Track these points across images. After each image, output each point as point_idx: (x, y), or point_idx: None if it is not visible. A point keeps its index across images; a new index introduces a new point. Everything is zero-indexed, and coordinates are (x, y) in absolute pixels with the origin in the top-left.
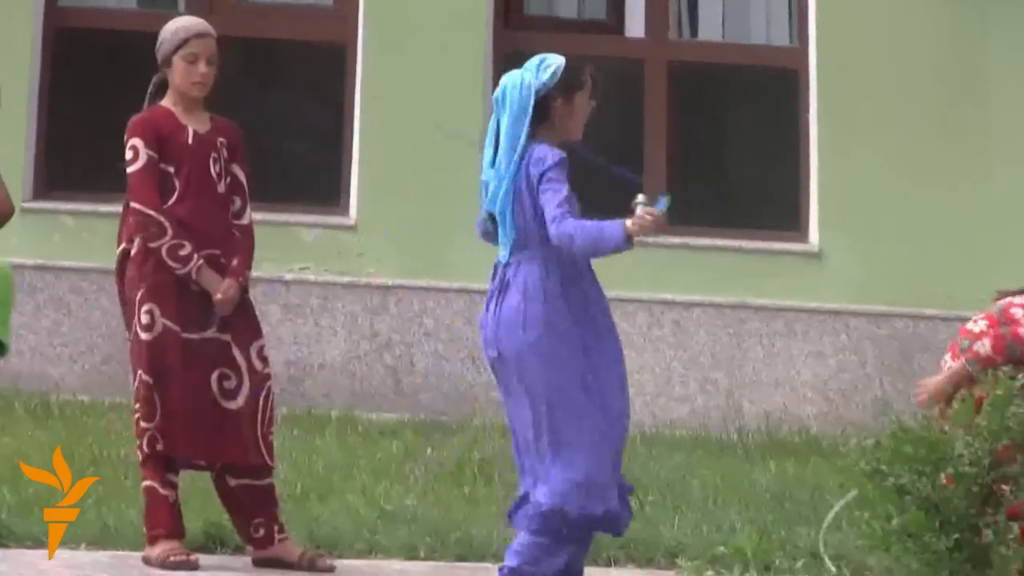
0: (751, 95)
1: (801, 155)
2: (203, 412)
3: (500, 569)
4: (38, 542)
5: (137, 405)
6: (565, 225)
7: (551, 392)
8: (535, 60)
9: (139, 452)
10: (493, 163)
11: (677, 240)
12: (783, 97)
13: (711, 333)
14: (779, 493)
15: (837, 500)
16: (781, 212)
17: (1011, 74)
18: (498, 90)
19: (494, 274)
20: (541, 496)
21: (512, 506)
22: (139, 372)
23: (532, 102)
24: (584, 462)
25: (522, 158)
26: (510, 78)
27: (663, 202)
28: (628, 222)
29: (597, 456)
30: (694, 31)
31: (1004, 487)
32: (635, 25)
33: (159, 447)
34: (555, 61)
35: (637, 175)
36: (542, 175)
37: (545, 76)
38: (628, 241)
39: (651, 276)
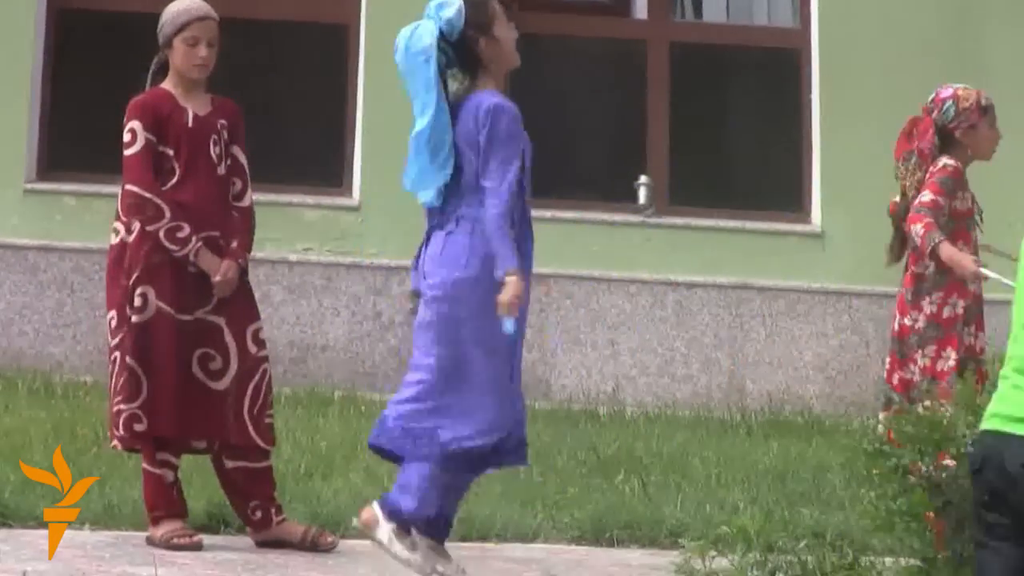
0: (753, 76)
1: (803, 136)
2: (186, 391)
3: (383, 502)
4: (40, 522)
5: (118, 388)
6: (494, 214)
7: (474, 332)
8: (431, 4)
9: (112, 435)
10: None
11: (679, 221)
12: (785, 78)
13: (713, 314)
14: (781, 473)
15: (839, 479)
16: (783, 193)
17: (1011, 54)
18: (399, 50)
19: (431, 215)
20: (448, 434)
21: (385, 424)
22: (124, 356)
23: (434, 40)
24: (492, 405)
25: (445, 100)
26: (404, 31)
27: (509, 325)
28: (509, 277)
29: (504, 401)
30: (696, 12)
31: None
32: (638, 6)
33: (139, 427)
34: (458, 14)
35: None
36: (488, 124)
37: (449, 13)
38: (508, 275)
39: (654, 257)
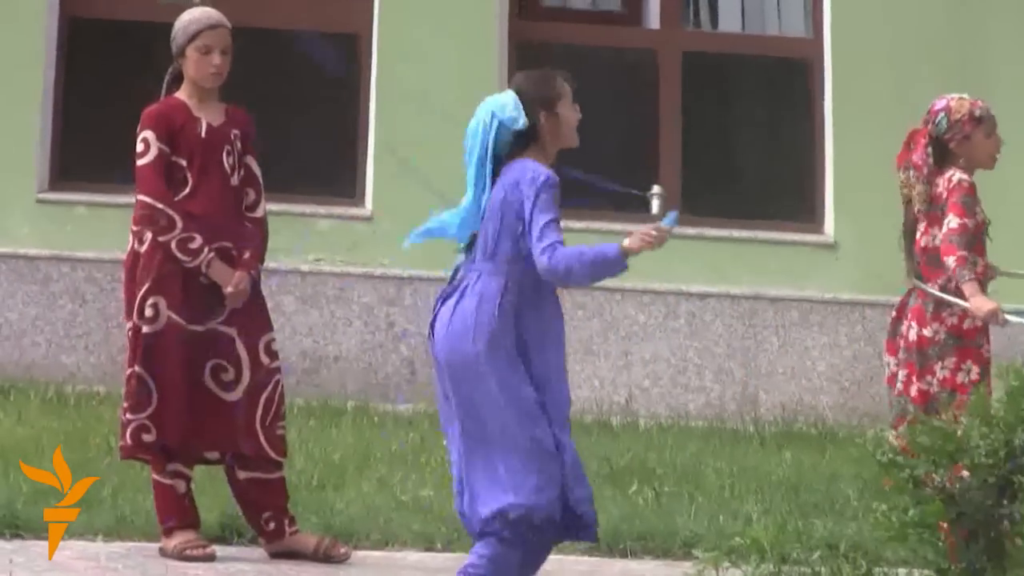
0: (765, 86)
1: (816, 146)
2: (197, 402)
3: None
4: None
5: (126, 398)
6: (558, 256)
7: (484, 406)
8: (491, 105)
9: (121, 445)
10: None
11: (692, 231)
12: (798, 88)
13: (726, 324)
14: (795, 484)
15: (853, 490)
16: (796, 203)
17: (1022, 62)
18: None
19: (453, 275)
20: (497, 505)
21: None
22: (133, 365)
23: (492, 136)
24: (525, 469)
25: (495, 173)
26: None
27: (671, 219)
28: (626, 241)
29: (532, 462)
30: (708, 21)
31: (1021, 478)
32: (650, 15)
33: (147, 438)
34: (509, 98)
35: (629, 187)
36: (535, 194)
37: (507, 113)
38: (625, 260)
39: (666, 267)
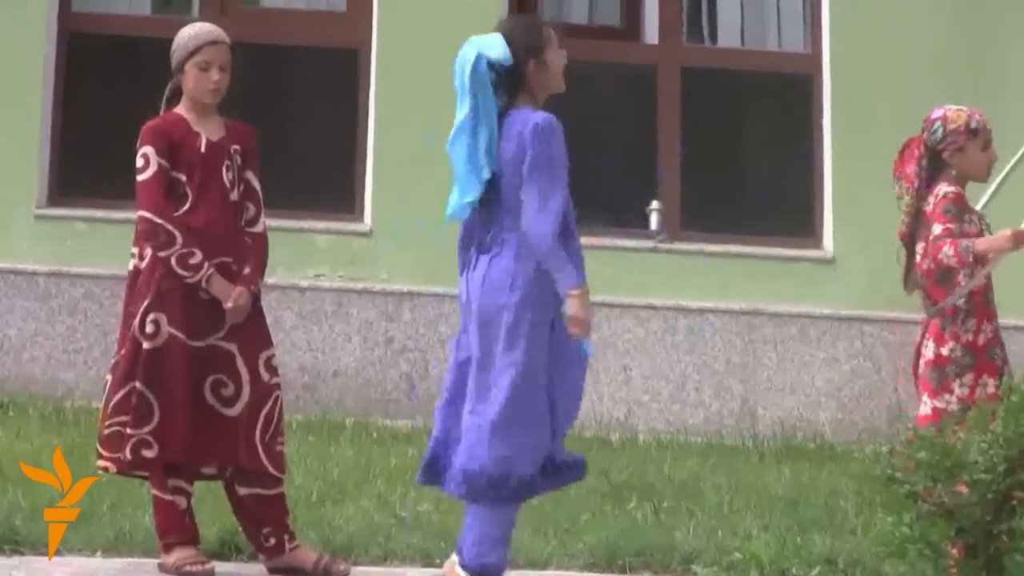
0: (764, 101)
1: (815, 161)
2: (197, 418)
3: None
4: None
5: (125, 413)
6: (544, 239)
7: (519, 358)
8: (474, 45)
9: (118, 458)
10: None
11: (691, 246)
12: (796, 103)
13: (725, 339)
14: (794, 499)
15: (852, 506)
16: (795, 218)
17: None
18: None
19: (470, 237)
20: (474, 462)
21: (429, 464)
22: (132, 380)
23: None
24: (527, 434)
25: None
26: (458, 59)
27: (587, 349)
28: (575, 292)
29: (540, 431)
30: (707, 37)
31: (1020, 494)
32: (649, 30)
33: (148, 453)
34: (497, 39)
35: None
36: (535, 144)
37: (495, 54)
38: (572, 290)
39: (665, 282)
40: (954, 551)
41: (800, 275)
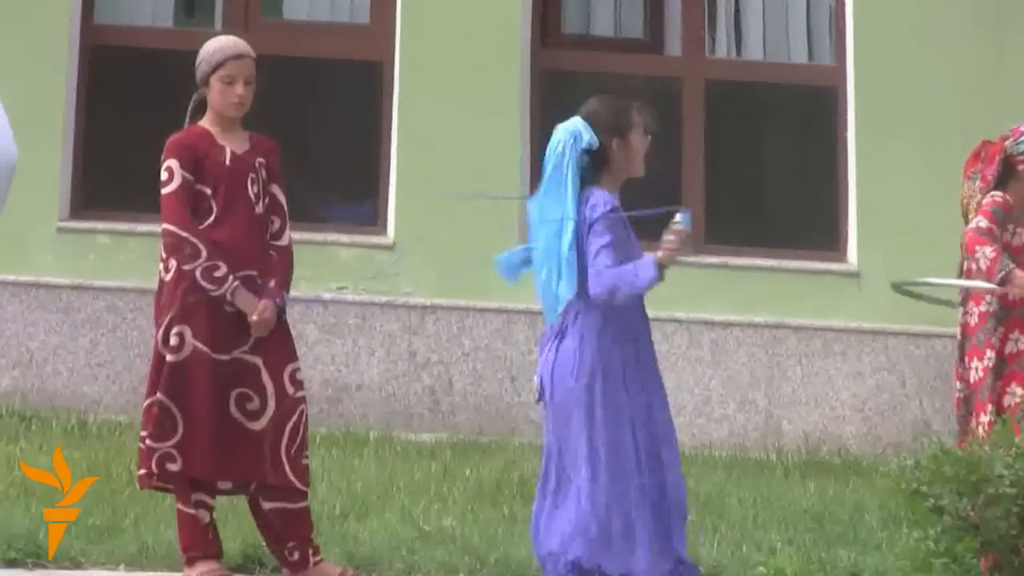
0: (788, 114)
1: (839, 174)
2: (222, 432)
3: None
4: (74, 562)
5: (146, 425)
6: (602, 278)
7: (589, 443)
8: (566, 132)
9: (141, 473)
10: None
11: (715, 260)
12: (821, 116)
13: (750, 353)
14: (819, 513)
15: (877, 520)
16: (819, 231)
17: None
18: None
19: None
20: (555, 545)
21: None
22: (156, 392)
23: (574, 166)
24: (601, 515)
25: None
26: (553, 139)
27: (685, 218)
28: (658, 254)
29: (623, 512)
30: (731, 49)
31: None
32: (673, 43)
33: (172, 467)
34: (580, 123)
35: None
36: (593, 225)
37: (586, 138)
38: (660, 273)
39: (689, 296)
40: (982, 565)
41: (825, 289)
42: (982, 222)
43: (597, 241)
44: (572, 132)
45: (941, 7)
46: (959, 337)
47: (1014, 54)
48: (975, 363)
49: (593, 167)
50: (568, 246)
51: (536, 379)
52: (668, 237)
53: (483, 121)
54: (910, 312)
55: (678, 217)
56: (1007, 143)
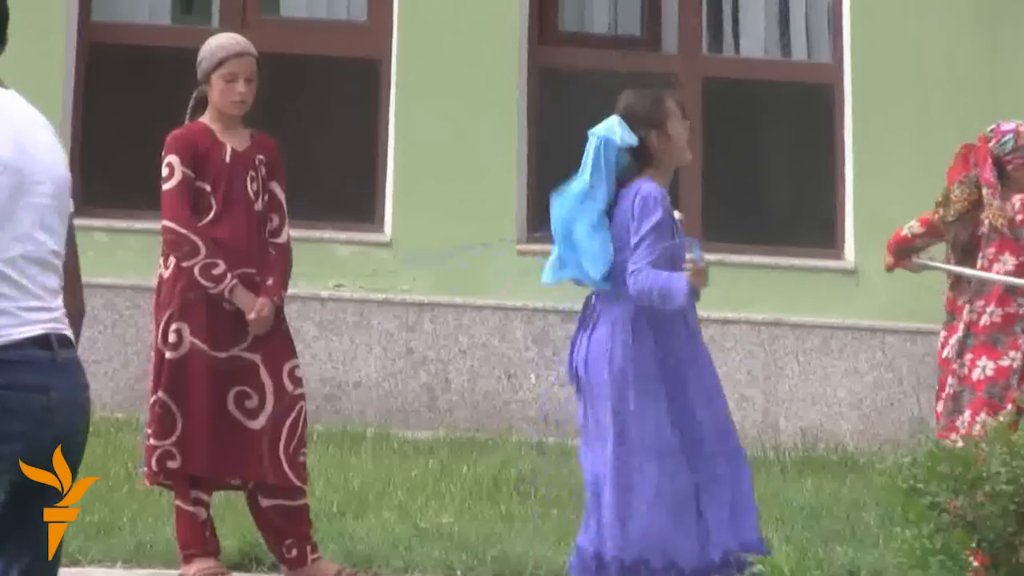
0: (786, 111)
1: (837, 172)
2: (221, 430)
3: None
4: (71, 559)
5: (150, 423)
6: (640, 280)
7: (626, 430)
8: (598, 131)
9: (146, 470)
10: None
11: (712, 257)
12: (818, 113)
13: (747, 350)
14: (816, 510)
15: (874, 517)
16: (817, 229)
17: None
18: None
19: (585, 304)
20: (609, 550)
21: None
22: (157, 390)
23: (603, 158)
24: (646, 511)
25: (615, 196)
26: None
27: (696, 253)
28: (689, 275)
29: (661, 505)
30: (728, 47)
31: None
32: (669, 41)
33: (172, 464)
34: (614, 121)
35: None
36: (639, 216)
37: (615, 136)
38: (689, 294)
39: None
40: (976, 562)
41: (822, 286)
42: None
43: (637, 237)
44: (601, 137)
45: (938, 5)
46: (960, 334)
47: (1011, 52)
48: (983, 361)
49: (637, 164)
50: (593, 228)
51: (569, 368)
52: (694, 268)
53: (480, 119)
54: (907, 309)
55: (694, 251)
56: (992, 145)
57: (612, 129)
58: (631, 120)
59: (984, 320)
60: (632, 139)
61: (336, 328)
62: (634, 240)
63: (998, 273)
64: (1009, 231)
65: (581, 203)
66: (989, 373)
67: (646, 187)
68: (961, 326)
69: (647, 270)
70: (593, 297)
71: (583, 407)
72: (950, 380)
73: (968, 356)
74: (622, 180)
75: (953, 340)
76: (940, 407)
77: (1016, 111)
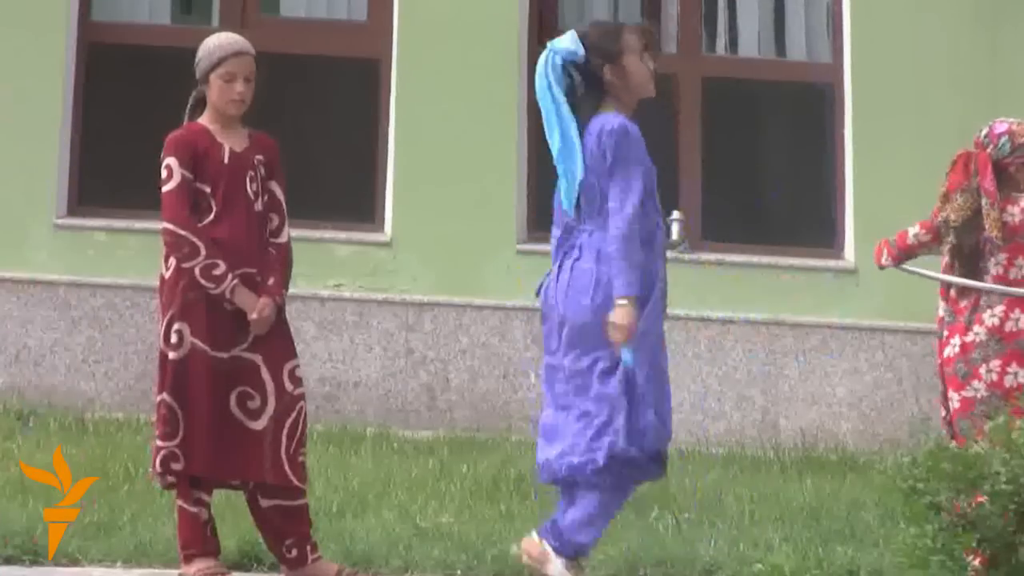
0: (785, 111)
1: (836, 171)
2: (223, 430)
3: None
4: (72, 559)
5: (160, 426)
6: (620, 235)
7: (608, 357)
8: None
9: (152, 471)
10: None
11: (712, 257)
12: (817, 113)
13: (747, 350)
14: (815, 510)
15: (874, 517)
16: (816, 229)
17: None
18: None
19: (560, 240)
20: (591, 452)
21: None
22: (161, 391)
23: (550, 63)
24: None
25: (581, 126)
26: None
27: (625, 356)
28: (622, 302)
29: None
30: (727, 46)
31: None
32: (668, 41)
33: (176, 466)
34: (567, 35)
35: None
36: (613, 146)
37: (563, 44)
38: (621, 300)
39: (686, 293)
40: (976, 562)
41: (822, 286)
42: None
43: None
44: (544, 57)
45: (938, 5)
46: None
47: (1011, 52)
48: (1013, 368)
49: (595, 94)
50: (566, 135)
51: (540, 295)
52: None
53: (480, 118)
54: (907, 309)
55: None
56: (990, 151)
57: (561, 40)
58: (587, 51)
59: (1010, 326)
60: (579, 50)
61: (336, 328)
62: (618, 177)
63: (1015, 279)
64: (1018, 238)
65: (556, 117)
66: (1022, 380)
67: (611, 117)
68: (982, 330)
69: (628, 247)
70: (567, 230)
71: (554, 337)
72: (975, 383)
73: (996, 362)
74: (582, 108)
75: (973, 342)
76: (957, 404)
77: (1016, 111)
